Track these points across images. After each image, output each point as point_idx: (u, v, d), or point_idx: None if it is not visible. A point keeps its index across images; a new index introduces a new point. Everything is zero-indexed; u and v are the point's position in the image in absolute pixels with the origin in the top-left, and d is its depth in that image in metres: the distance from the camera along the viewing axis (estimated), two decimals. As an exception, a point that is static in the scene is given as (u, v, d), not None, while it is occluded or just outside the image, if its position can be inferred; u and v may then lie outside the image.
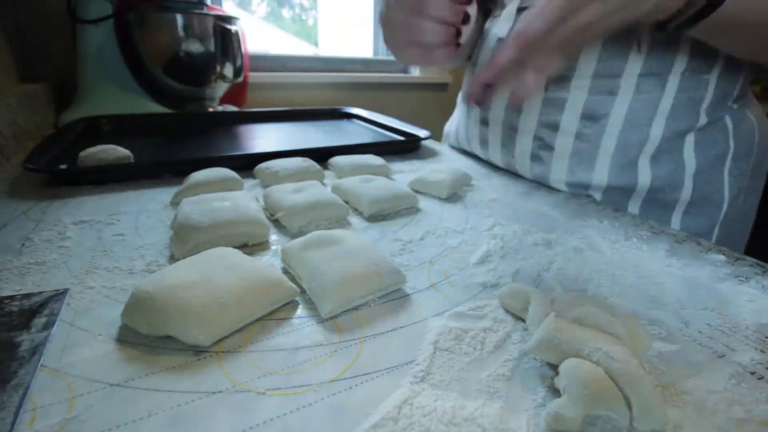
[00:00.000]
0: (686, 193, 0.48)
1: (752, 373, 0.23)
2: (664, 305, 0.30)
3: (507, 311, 0.28)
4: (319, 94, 1.38)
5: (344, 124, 0.92)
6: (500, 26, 0.53)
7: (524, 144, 0.54)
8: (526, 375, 0.23)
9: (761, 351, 0.25)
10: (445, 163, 0.65)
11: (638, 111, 0.46)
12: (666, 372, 0.23)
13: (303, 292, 0.29)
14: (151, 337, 0.24)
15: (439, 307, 0.28)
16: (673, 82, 0.45)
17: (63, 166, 0.51)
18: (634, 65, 0.45)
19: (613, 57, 0.46)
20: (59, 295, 0.27)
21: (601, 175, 0.49)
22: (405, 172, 0.59)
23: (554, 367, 0.22)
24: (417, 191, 0.51)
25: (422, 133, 0.72)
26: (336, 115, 0.99)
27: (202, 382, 0.21)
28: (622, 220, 0.44)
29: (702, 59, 0.45)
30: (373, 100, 1.44)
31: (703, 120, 0.47)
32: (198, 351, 0.23)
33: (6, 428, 0.18)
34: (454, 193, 0.51)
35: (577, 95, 0.48)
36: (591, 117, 0.48)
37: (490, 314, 0.28)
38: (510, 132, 0.55)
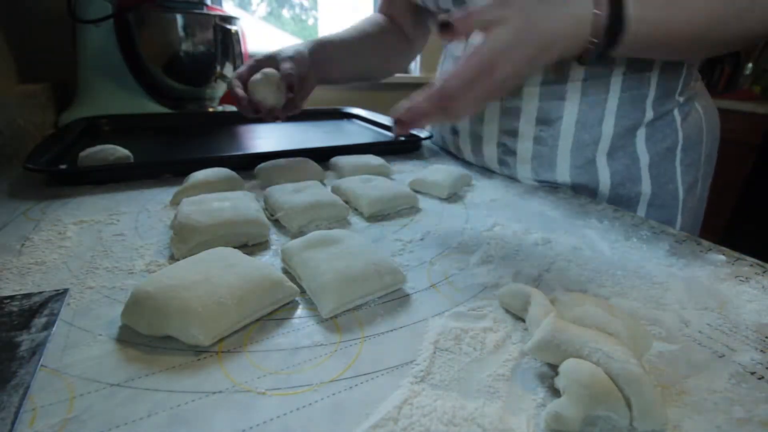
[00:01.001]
0: (646, 185, 0.51)
1: (752, 373, 0.23)
2: (664, 305, 0.30)
3: (507, 311, 0.28)
4: (319, 94, 1.38)
5: (344, 124, 0.92)
6: (455, 45, 0.58)
7: (490, 150, 0.58)
8: (526, 375, 0.23)
9: (761, 351, 0.25)
10: (445, 163, 0.65)
11: (588, 113, 0.49)
12: (666, 372, 0.23)
13: (303, 292, 0.29)
14: (151, 337, 0.24)
15: (439, 307, 0.28)
16: (615, 82, 0.48)
17: (63, 166, 0.51)
18: (577, 71, 0.48)
19: (557, 65, 0.48)
20: (59, 295, 0.27)
21: (563, 174, 0.53)
22: (405, 172, 0.59)
23: (554, 367, 0.22)
24: (417, 191, 0.51)
25: (422, 133, 0.72)
26: (336, 115, 0.99)
27: (202, 382, 0.21)
28: (623, 220, 0.44)
29: (641, 58, 0.46)
30: (373, 100, 1.44)
31: (650, 115, 0.49)
32: (198, 351, 0.23)
33: (6, 428, 0.18)
34: (454, 193, 0.51)
35: (530, 103, 0.51)
36: (545, 122, 0.51)
37: (490, 314, 0.28)
38: (477, 140, 0.59)
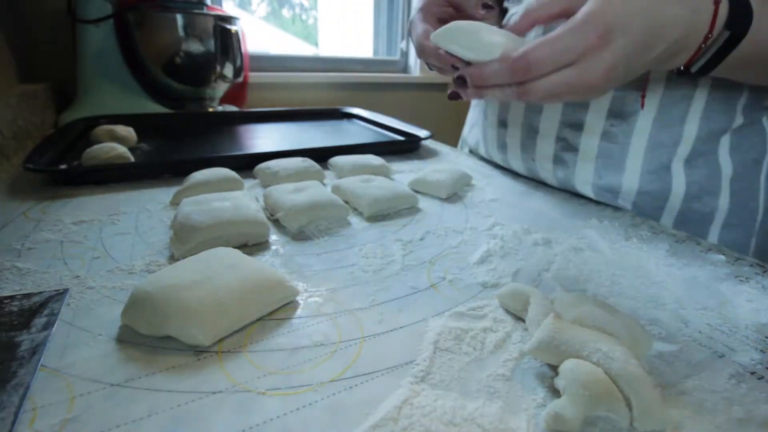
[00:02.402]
0: (724, 200, 0.44)
1: (752, 373, 0.23)
2: (664, 305, 0.30)
3: (507, 311, 0.28)
4: (319, 94, 1.38)
5: (344, 124, 0.92)
6: None
7: (546, 146, 0.50)
8: (526, 375, 0.23)
9: (761, 351, 0.25)
10: (445, 163, 0.65)
11: (670, 108, 0.42)
12: (666, 372, 0.23)
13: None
14: (151, 337, 0.24)
15: (439, 307, 0.28)
16: (704, 78, 0.40)
17: (63, 166, 0.51)
18: None
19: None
20: (59, 295, 0.27)
21: (631, 178, 0.45)
22: (405, 172, 0.59)
23: (554, 368, 0.22)
24: (417, 191, 0.51)
25: (422, 133, 0.72)
26: (336, 115, 0.99)
27: (202, 382, 0.21)
28: (622, 220, 0.44)
29: None
30: (373, 100, 1.44)
31: (739, 120, 0.43)
32: (198, 351, 0.23)
33: (6, 428, 0.18)
34: (454, 193, 0.51)
35: None
36: (619, 115, 0.44)
37: (490, 314, 0.28)
38: (530, 133, 0.52)
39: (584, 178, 0.48)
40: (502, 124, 0.56)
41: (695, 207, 0.45)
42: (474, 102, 0.67)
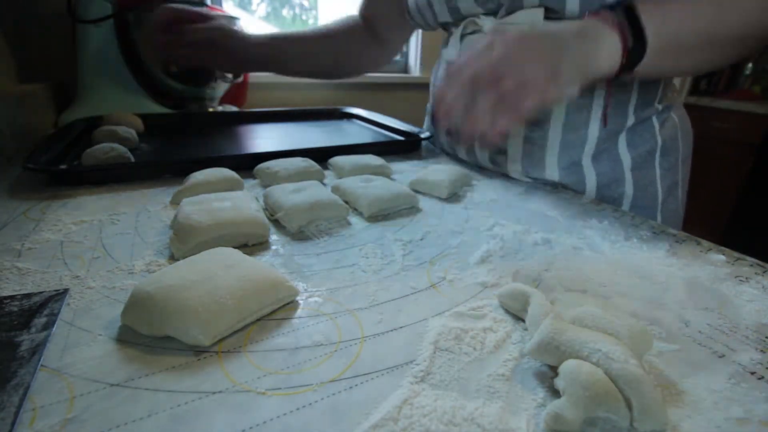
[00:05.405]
0: (629, 187, 0.54)
1: (752, 373, 0.23)
2: (664, 305, 0.30)
3: (507, 311, 0.28)
4: (319, 94, 1.38)
5: (344, 124, 0.92)
6: (449, 50, 0.59)
7: (483, 151, 0.60)
8: (526, 375, 0.23)
9: (761, 351, 0.25)
10: (445, 163, 0.65)
11: (574, 114, 0.52)
12: (666, 372, 0.23)
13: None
14: (151, 337, 0.24)
15: (439, 307, 0.28)
16: (600, 87, 0.50)
17: (63, 166, 0.51)
18: None
19: None
20: (59, 295, 0.27)
21: (552, 174, 0.55)
22: (405, 172, 0.59)
23: (554, 368, 0.22)
24: (417, 191, 0.51)
25: (422, 133, 0.72)
26: (336, 115, 0.99)
27: (202, 382, 0.21)
28: (622, 220, 0.44)
29: None
30: (373, 100, 1.44)
31: (631, 120, 0.52)
32: (198, 351, 0.23)
33: (6, 428, 0.18)
34: (454, 193, 0.51)
35: None
36: (535, 122, 0.53)
37: (490, 314, 0.28)
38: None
39: (516, 176, 0.58)
40: (448, 133, 0.66)
41: (607, 194, 0.54)
42: (427, 111, 0.79)
